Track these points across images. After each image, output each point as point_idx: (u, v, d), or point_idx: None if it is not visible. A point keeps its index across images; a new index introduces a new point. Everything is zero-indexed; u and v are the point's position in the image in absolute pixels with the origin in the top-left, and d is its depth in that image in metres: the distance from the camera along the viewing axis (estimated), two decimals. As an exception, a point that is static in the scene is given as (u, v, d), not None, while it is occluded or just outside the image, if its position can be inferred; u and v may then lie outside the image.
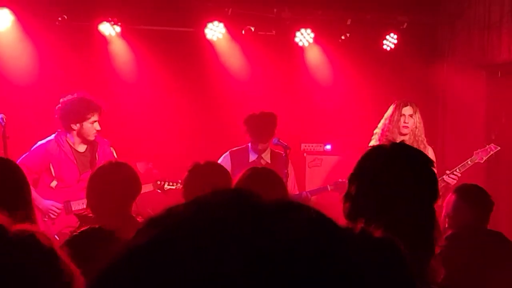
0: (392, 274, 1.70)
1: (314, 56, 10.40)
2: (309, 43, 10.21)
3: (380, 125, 7.66)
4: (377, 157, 2.89)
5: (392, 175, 2.80)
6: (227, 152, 7.78)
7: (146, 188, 7.81)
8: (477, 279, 4.97)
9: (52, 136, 7.49)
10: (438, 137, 10.50)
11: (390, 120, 7.51)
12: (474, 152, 7.99)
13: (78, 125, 7.38)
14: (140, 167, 9.07)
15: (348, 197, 2.84)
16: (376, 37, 10.42)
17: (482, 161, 7.92)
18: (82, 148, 7.49)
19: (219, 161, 7.67)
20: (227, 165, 7.66)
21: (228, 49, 10.07)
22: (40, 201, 7.22)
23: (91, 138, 7.42)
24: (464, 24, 10.48)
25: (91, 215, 4.76)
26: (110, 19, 9.40)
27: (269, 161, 7.69)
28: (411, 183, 2.79)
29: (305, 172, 9.64)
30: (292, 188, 7.86)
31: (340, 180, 8.04)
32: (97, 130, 7.43)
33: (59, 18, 9.15)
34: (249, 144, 7.80)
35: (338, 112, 10.26)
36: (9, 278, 1.83)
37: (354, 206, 2.78)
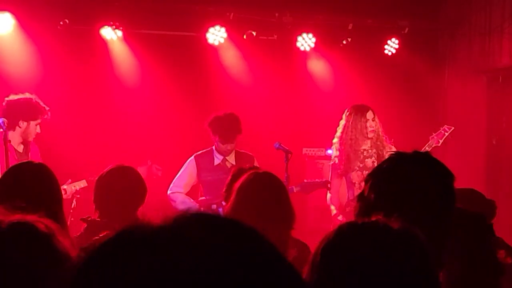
0: (410, 266, 1.71)
1: (316, 60, 10.41)
2: (310, 47, 10.22)
3: (338, 134, 7.64)
4: (397, 161, 2.86)
5: (409, 180, 2.76)
6: (192, 156, 7.73)
7: (80, 184, 7.93)
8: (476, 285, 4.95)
9: None
10: (439, 142, 10.51)
11: (354, 128, 7.50)
12: (430, 137, 8.02)
13: (25, 123, 7.39)
14: (141, 171, 9.09)
15: (361, 196, 2.81)
16: (377, 42, 10.43)
17: (439, 144, 7.96)
18: (20, 148, 7.51)
19: (184, 165, 7.66)
20: (193, 169, 7.63)
21: (230, 54, 10.08)
22: None
23: (31, 139, 7.46)
24: (465, 29, 10.49)
25: (98, 219, 4.76)
26: (111, 23, 9.41)
27: (233, 163, 7.65)
28: (426, 193, 2.75)
29: (306, 176, 9.63)
30: None
31: (305, 180, 8.05)
32: (37, 133, 7.45)
33: (61, 22, 9.16)
34: (213, 147, 7.75)
35: (339, 117, 10.20)
36: (3, 264, 1.92)
37: (364, 206, 2.75)
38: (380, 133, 7.50)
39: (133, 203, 4.80)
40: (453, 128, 8.09)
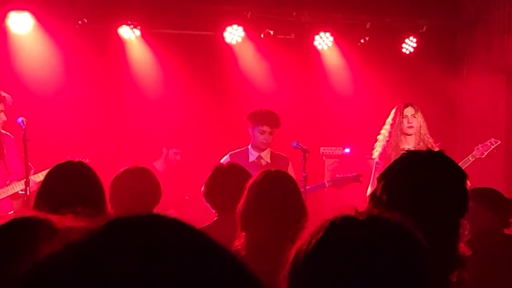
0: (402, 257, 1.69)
1: (333, 59, 10.39)
2: (328, 46, 10.21)
3: (382, 131, 7.64)
4: (410, 161, 2.84)
5: (421, 181, 2.74)
6: (227, 155, 7.73)
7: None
8: (495, 284, 4.94)
9: None
10: (457, 141, 10.46)
11: (392, 125, 7.49)
12: (475, 147, 8.00)
13: None
14: (159, 164, 9.14)
15: (373, 196, 2.79)
16: (395, 40, 10.40)
17: (483, 156, 7.93)
18: None
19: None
20: None
21: (247, 53, 10.08)
22: None
23: None
24: (484, 28, 10.44)
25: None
26: (129, 22, 9.44)
27: (268, 161, 7.65)
28: (439, 193, 2.73)
29: (324, 175, 9.62)
30: None
31: (337, 175, 8.00)
32: (4, 121, 7.46)
33: (79, 22, 9.20)
34: (249, 146, 7.76)
35: (357, 116, 10.24)
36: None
37: (376, 205, 2.72)
38: (423, 132, 7.45)
39: (148, 204, 4.82)
40: (499, 141, 8.07)
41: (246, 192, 4.11)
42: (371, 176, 7.65)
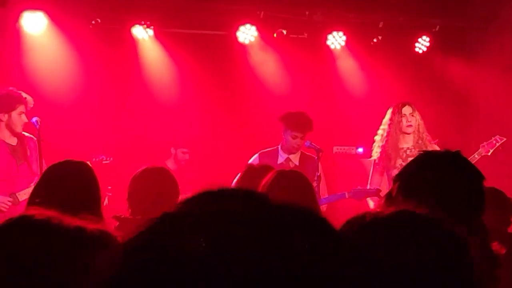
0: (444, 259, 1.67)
1: (346, 59, 10.38)
2: (341, 46, 10.20)
3: (379, 131, 7.62)
4: (426, 162, 2.82)
5: (437, 182, 2.73)
6: (257, 154, 7.75)
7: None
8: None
9: None
10: (471, 140, 10.42)
11: (390, 124, 7.48)
12: (480, 145, 7.99)
13: (6, 115, 7.46)
14: (170, 164, 9.16)
15: (388, 197, 2.79)
16: (408, 40, 10.39)
17: (489, 154, 7.92)
18: (13, 141, 7.56)
19: (248, 162, 7.66)
20: None
21: (260, 52, 10.09)
22: None
23: (19, 129, 7.51)
24: (497, 27, 10.40)
25: (131, 217, 4.80)
26: (143, 22, 9.46)
27: (297, 164, 7.65)
28: (455, 194, 2.72)
29: (337, 175, 9.62)
30: (323, 192, 7.80)
31: (358, 187, 7.98)
32: (24, 122, 7.49)
33: (93, 22, 9.23)
34: (279, 146, 7.78)
35: (370, 115, 10.20)
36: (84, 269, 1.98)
37: (391, 205, 2.71)
38: (421, 130, 7.44)
39: (167, 203, 4.84)
40: (505, 139, 8.05)
41: (259, 190, 4.12)
42: (368, 177, 7.66)
